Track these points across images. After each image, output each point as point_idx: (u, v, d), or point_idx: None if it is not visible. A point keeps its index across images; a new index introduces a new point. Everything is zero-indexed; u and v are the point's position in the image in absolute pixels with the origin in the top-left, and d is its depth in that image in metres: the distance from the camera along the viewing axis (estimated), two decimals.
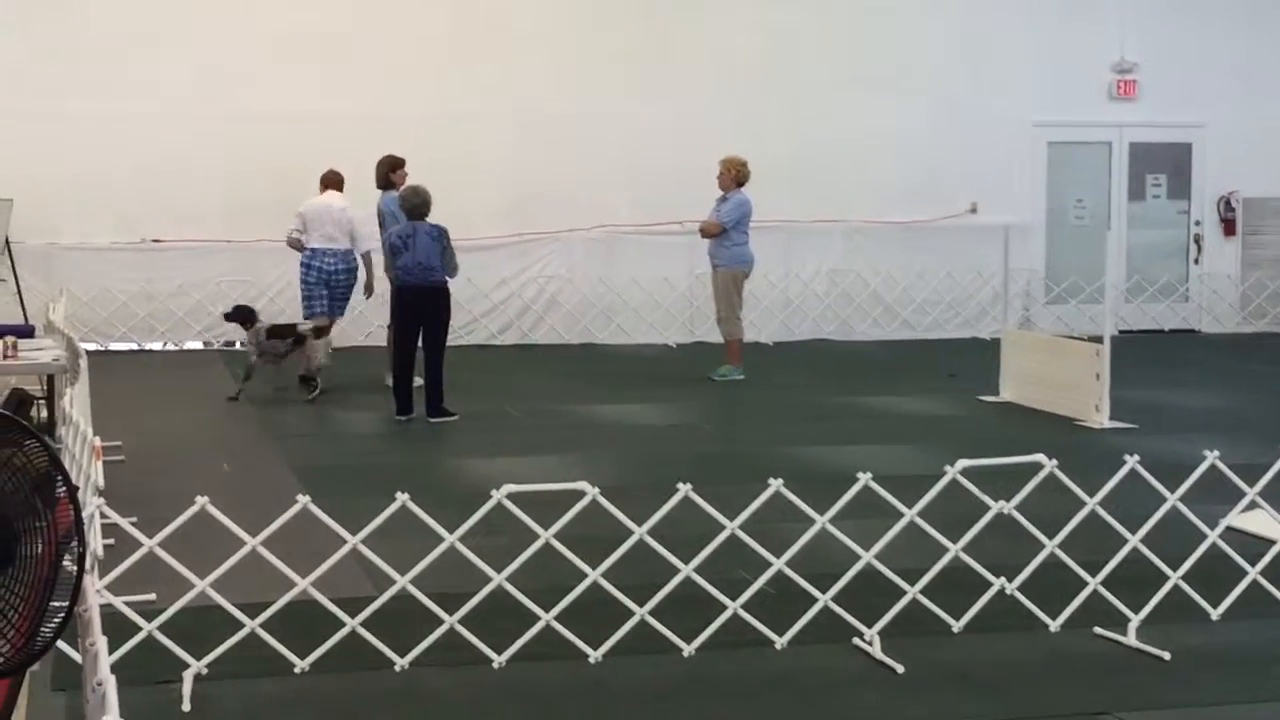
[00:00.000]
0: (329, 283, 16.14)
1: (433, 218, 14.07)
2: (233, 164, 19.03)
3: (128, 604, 6.65)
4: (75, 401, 8.93)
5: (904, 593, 7.33)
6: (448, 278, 14.01)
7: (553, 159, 19.89)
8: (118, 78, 18.83)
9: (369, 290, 16.46)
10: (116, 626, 6.31)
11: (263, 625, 6.69)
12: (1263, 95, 22.28)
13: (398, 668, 6.81)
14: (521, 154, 19.84)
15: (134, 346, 19.03)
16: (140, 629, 6.58)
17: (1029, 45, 21.55)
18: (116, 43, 18.89)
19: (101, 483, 9.72)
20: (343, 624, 6.77)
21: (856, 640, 7.25)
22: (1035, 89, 21.59)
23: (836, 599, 7.26)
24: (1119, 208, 22.36)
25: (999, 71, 21.44)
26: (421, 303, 13.95)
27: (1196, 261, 22.66)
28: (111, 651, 5.56)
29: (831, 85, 20.86)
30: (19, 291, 17.60)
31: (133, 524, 6.84)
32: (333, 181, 16.43)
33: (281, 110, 19.04)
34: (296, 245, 16.37)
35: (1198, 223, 22.68)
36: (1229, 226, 22.70)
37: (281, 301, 19.26)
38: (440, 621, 6.86)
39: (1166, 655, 7.14)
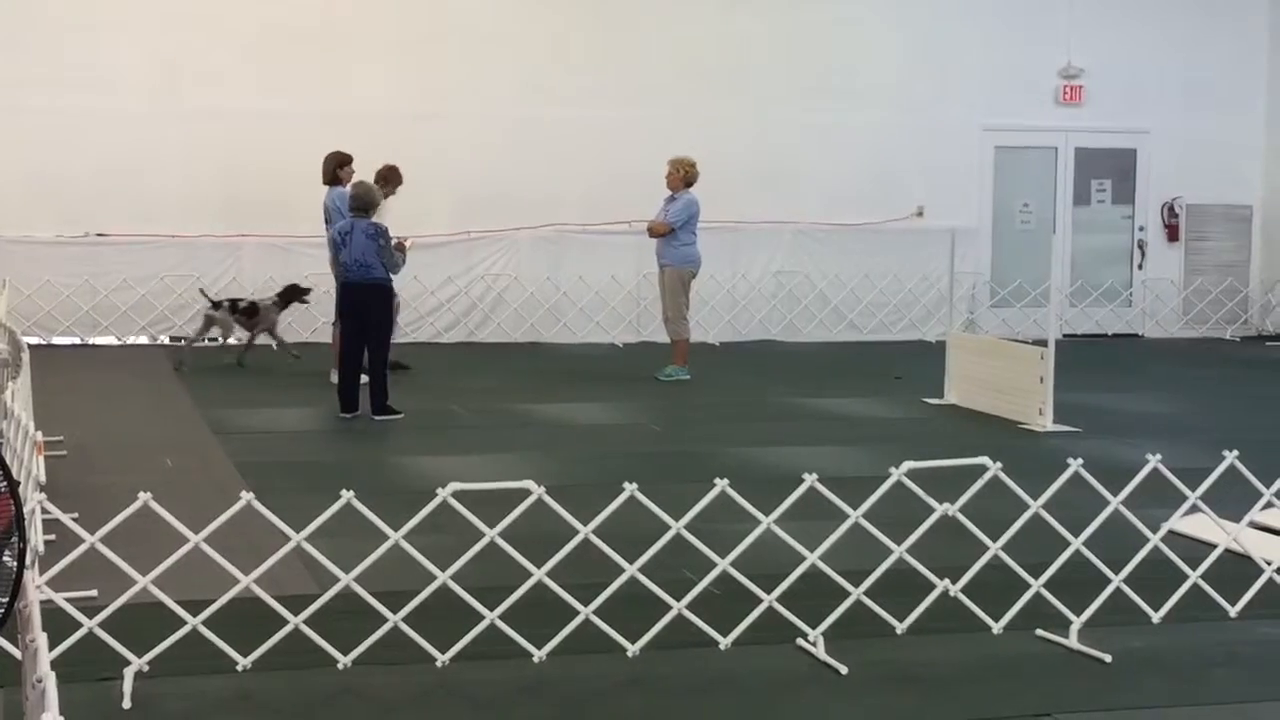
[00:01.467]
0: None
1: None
2: (180, 159, 18.97)
3: (68, 600, 6.59)
4: (17, 396, 8.85)
5: (848, 594, 7.34)
6: (390, 275, 13.96)
7: (501, 158, 19.87)
8: (66, 71, 18.71)
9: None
10: (57, 623, 6.26)
11: (205, 622, 6.64)
12: (1207, 102, 22.46)
13: (340, 666, 6.78)
14: (470, 153, 19.81)
15: (77, 341, 18.89)
16: (81, 625, 6.52)
17: (977, 50, 21.66)
18: (66, 35, 18.78)
19: (43, 478, 9.66)
20: (285, 622, 6.74)
21: (800, 641, 7.26)
22: (983, 94, 21.71)
23: (781, 600, 7.26)
24: (1064, 212, 22.50)
25: (947, 76, 21.54)
26: (361, 300, 13.91)
27: (1140, 267, 22.82)
28: (52, 648, 5.52)
29: (781, 89, 20.92)
30: None
31: (74, 520, 6.78)
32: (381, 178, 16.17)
33: (232, 107, 18.99)
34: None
35: (1141, 228, 22.84)
36: (1172, 232, 22.88)
37: (227, 296, 19.16)
38: (384, 620, 6.83)
39: (1108, 658, 7.18)
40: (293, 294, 17.48)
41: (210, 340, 18.33)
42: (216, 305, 17.27)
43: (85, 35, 18.83)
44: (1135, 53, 22.22)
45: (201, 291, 17.75)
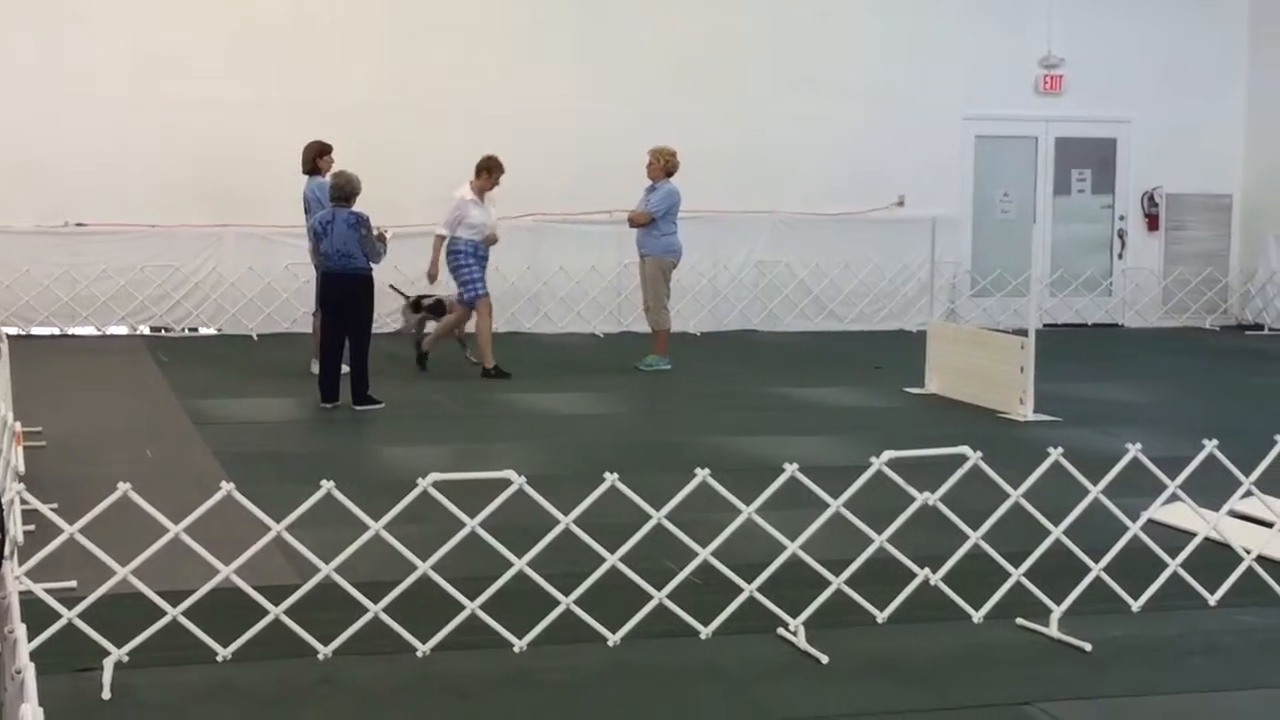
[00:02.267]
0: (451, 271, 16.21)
1: (361, 204, 13.98)
2: (160, 149, 18.90)
3: (48, 591, 6.57)
4: None
5: (829, 583, 7.35)
6: (371, 265, 13.94)
7: (481, 148, 19.76)
8: (45, 61, 18.64)
9: (432, 276, 16.41)
10: (36, 613, 6.24)
11: (185, 613, 6.63)
12: (1187, 92, 22.50)
13: (321, 656, 6.77)
14: (449, 143, 19.71)
15: (56, 331, 18.83)
16: (60, 616, 6.51)
17: (957, 40, 21.66)
18: (46, 25, 18.70)
19: (22, 468, 9.63)
20: (265, 612, 6.73)
21: (781, 630, 7.26)
22: (963, 84, 21.72)
23: (762, 589, 7.27)
24: (1044, 202, 22.53)
25: (928, 66, 21.54)
26: (343, 290, 13.89)
27: (1120, 256, 22.86)
28: (31, 639, 5.50)
29: (762, 79, 20.92)
30: None
31: (53, 510, 6.77)
32: (476, 169, 16.33)
33: (212, 97, 18.93)
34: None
35: (1122, 218, 22.88)
36: (1152, 222, 22.92)
37: (207, 286, 19.16)
38: (364, 610, 6.82)
39: (1088, 646, 7.20)
40: None
41: (188, 330, 18.33)
42: (409, 299, 16.85)
43: (65, 26, 18.76)
44: (1115, 42, 22.24)
45: (393, 288, 17.31)
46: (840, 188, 21.10)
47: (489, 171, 16.18)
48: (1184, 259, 22.97)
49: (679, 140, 17.24)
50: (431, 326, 16.66)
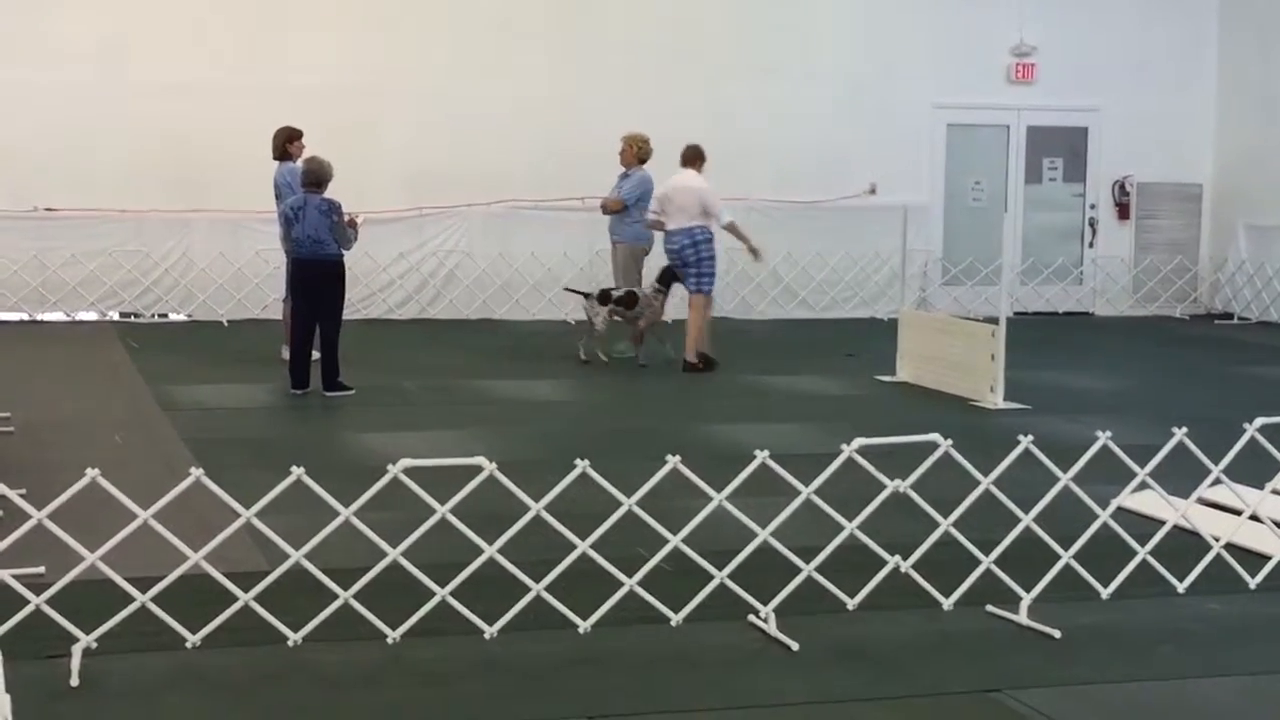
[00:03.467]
0: (684, 261, 16.09)
1: (332, 190, 13.94)
2: (130, 134, 18.80)
3: (16, 577, 6.55)
4: None
5: (799, 570, 7.36)
6: (342, 251, 13.89)
7: (453, 134, 19.80)
8: (9, 44, 18.53)
9: (755, 253, 16.62)
10: (4, 600, 6.23)
11: (153, 599, 6.62)
12: (1158, 80, 22.55)
13: (290, 643, 6.75)
14: (421, 129, 19.73)
15: (25, 317, 18.74)
16: (28, 602, 6.48)
17: (929, 28, 21.68)
18: (12, 8, 18.59)
19: None
20: (235, 599, 6.71)
21: (752, 617, 7.27)
22: (935, 71, 21.74)
23: (733, 576, 7.28)
24: (1016, 190, 22.57)
25: (899, 53, 21.56)
26: (314, 276, 13.85)
27: (1091, 245, 22.92)
28: None
29: (733, 65, 20.90)
30: None
31: (21, 496, 6.74)
32: (692, 159, 16.34)
33: (180, 81, 18.83)
34: (656, 226, 16.44)
35: (1093, 206, 22.94)
36: (1123, 210, 22.98)
37: (176, 273, 19.09)
38: (334, 597, 6.81)
39: (1057, 634, 7.22)
40: (672, 276, 16.21)
41: (158, 316, 18.24)
42: (590, 296, 16.20)
43: (29, 7, 18.65)
44: (1086, 31, 22.28)
45: (569, 289, 17.22)
46: (811, 175, 21.10)
47: (699, 158, 16.30)
48: (1154, 248, 23.03)
49: (650, 126, 17.21)
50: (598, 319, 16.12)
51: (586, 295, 16.30)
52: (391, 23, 19.79)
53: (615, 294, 16.14)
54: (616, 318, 16.21)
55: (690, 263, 16.07)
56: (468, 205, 20.00)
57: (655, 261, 17.36)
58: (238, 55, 19.20)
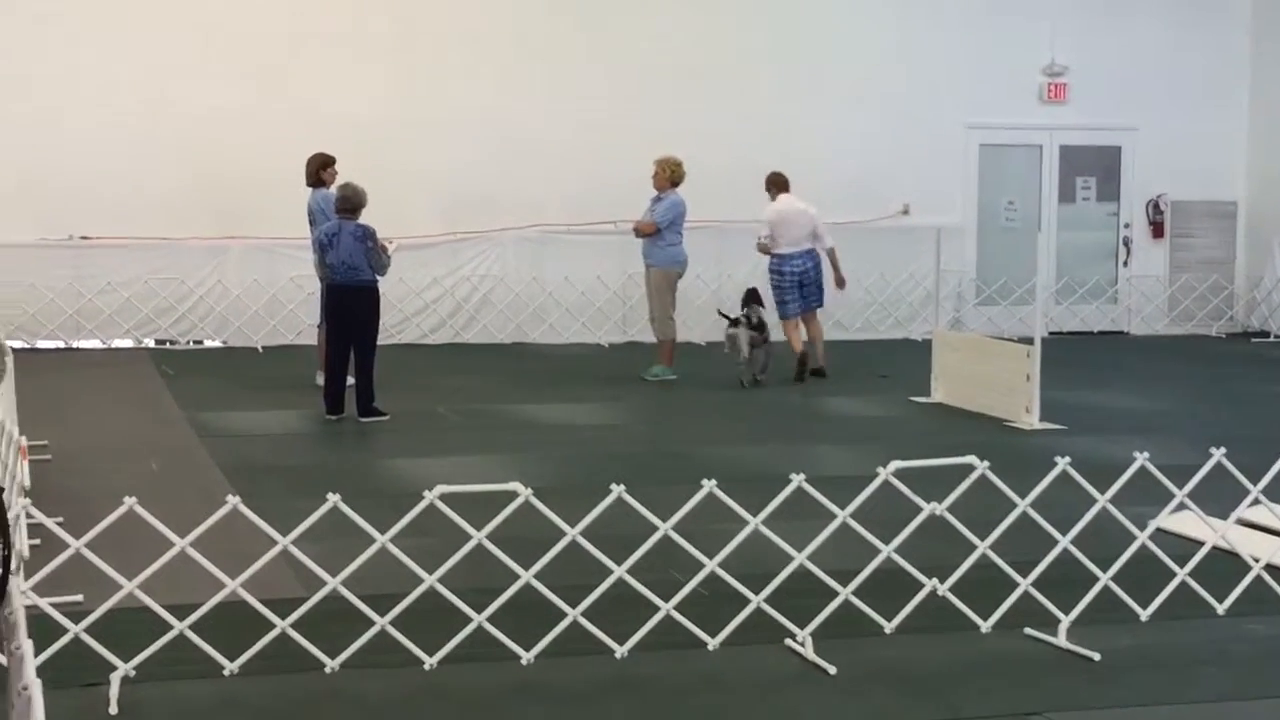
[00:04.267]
0: (801, 283, 17.09)
1: (366, 216, 13.99)
2: (165, 161, 18.89)
3: (54, 605, 6.57)
4: (1, 400, 8.82)
5: (836, 594, 7.34)
6: (377, 276, 13.93)
7: (486, 160, 19.83)
8: (46, 73, 18.63)
9: (841, 283, 17.69)
10: (42, 628, 6.24)
11: (191, 627, 6.63)
12: (1191, 99, 22.48)
13: (328, 670, 6.76)
14: (454, 155, 19.77)
15: (61, 345, 18.82)
16: (67, 631, 6.50)
17: (961, 48, 21.65)
18: (45, 37, 18.70)
19: (28, 482, 9.63)
20: (272, 626, 6.72)
21: (789, 641, 7.25)
22: (967, 92, 21.71)
23: (769, 600, 7.26)
24: (1049, 210, 22.51)
25: (932, 74, 21.53)
26: (348, 302, 13.88)
27: (1125, 264, 22.84)
28: (37, 654, 5.50)
29: (766, 87, 20.92)
30: None
31: (59, 524, 6.76)
32: (784, 185, 17.30)
33: (214, 108, 18.93)
34: (765, 250, 17.20)
35: (1127, 225, 22.86)
36: (1158, 229, 22.90)
37: (212, 299, 19.16)
38: (371, 623, 6.82)
39: (1096, 656, 7.18)
40: (754, 298, 16.84)
41: (193, 343, 18.32)
42: (735, 322, 16.45)
43: (67, 37, 18.76)
44: (1119, 50, 22.22)
45: (720, 313, 17.22)
46: (845, 197, 21.03)
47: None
48: (1189, 266, 22.94)
49: (683, 150, 17.23)
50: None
51: (735, 321, 16.52)
52: (425, 50, 19.84)
53: (754, 319, 16.54)
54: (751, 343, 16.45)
55: (811, 281, 17.12)
56: (501, 230, 20.04)
57: (685, 284, 17.39)
58: (272, 82, 19.26)
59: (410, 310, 19.63)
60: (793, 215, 17.12)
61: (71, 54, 18.76)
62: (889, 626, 7.39)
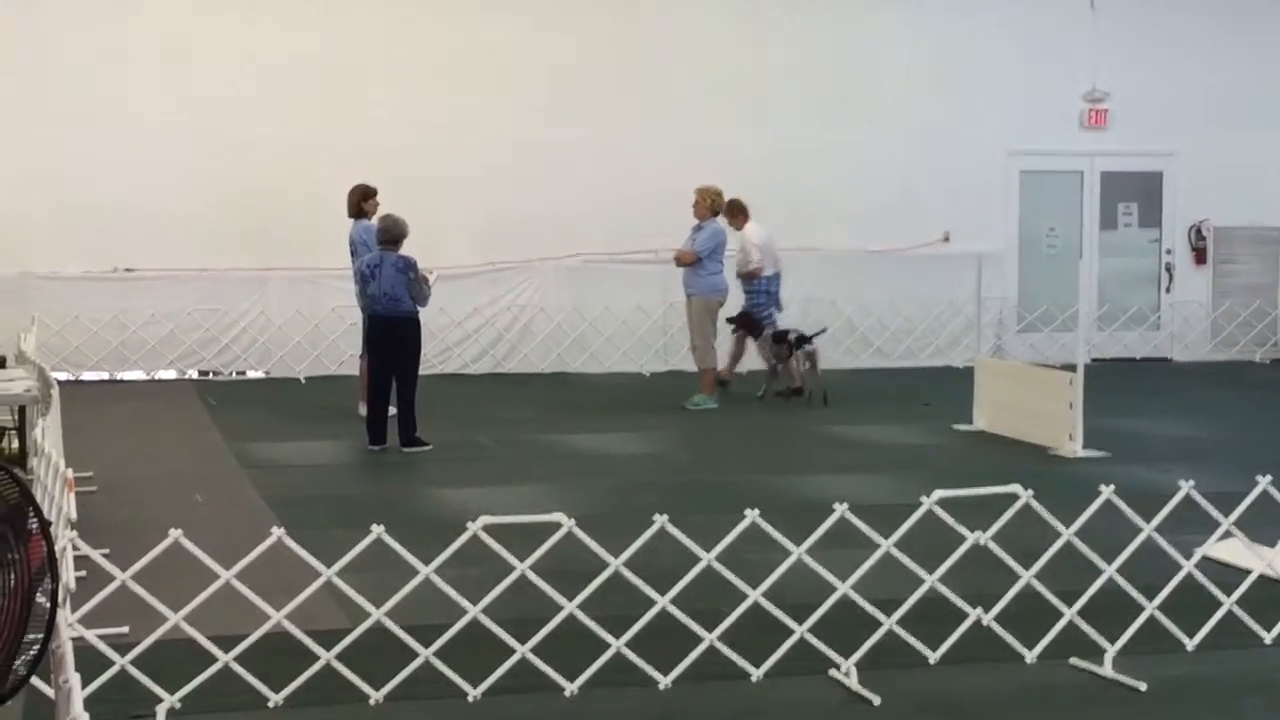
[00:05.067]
0: (778, 302, 18.05)
1: (407, 247, 14.05)
2: (207, 192, 19.00)
3: (100, 637, 6.60)
4: (47, 432, 8.88)
5: (880, 624, 7.31)
6: (418, 307, 13.98)
7: (526, 188, 19.88)
8: (89, 105, 18.77)
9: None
10: (89, 660, 6.26)
11: (236, 659, 6.65)
12: (1232, 124, 22.39)
13: (372, 701, 6.77)
14: (495, 183, 19.83)
15: (106, 376, 18.93)
16: (113, 663, 6.53)
17: (1002, 74, 21.62)
18: (89, 69, 18.84)
19: (74, 515, 9.65)
20: (317, 657, 6.73)
21: (833, 672, 7.23)
22: (1008, 118, 21.67)
23: (813, 630, 7.24)
24: (1091, 236, 22.43)
25: (972, 100, 21.51)
26: (390, 332, 13.93)
27: (1168, 290, 22.74)
28: (84, 686, 5.51)
29: (807, 114, 20.92)
30: None
31: (105, 556, 6.80)
32: (748, 211, 17.91)
33: (256, 138, 19.03)
34: (754, 274, 17.84)
35: (1169, 251, 22.77)
36: (1200, 255, 22.79)
37: (254, 330, 19.24)
38: (415, 654, 6.83)
39: (1143, 686, 7.14)
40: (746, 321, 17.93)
41: (236, 374, 18.42)
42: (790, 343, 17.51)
43: (111, 69, 18.88)
44: (1160, 75, 22.15)
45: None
46: (885, 223, 21.06)
47: (735, 213, 17.70)
48: (1233, 292, 22.82)
49: (722, 178, 17.28)
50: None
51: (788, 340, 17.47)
52: (464, 81, 19.91)
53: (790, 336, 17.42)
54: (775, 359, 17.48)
55: (780, 304, 17.86)
56: (541, 260, 20.08)
57: (725, 314, 17.41)
58: (313, 114, 19.36)
59: (452, 340, 19.66)
60: (770, 238, 17.81)
61: (116, 88, 18.88)
62: (933, 657, 7.36)
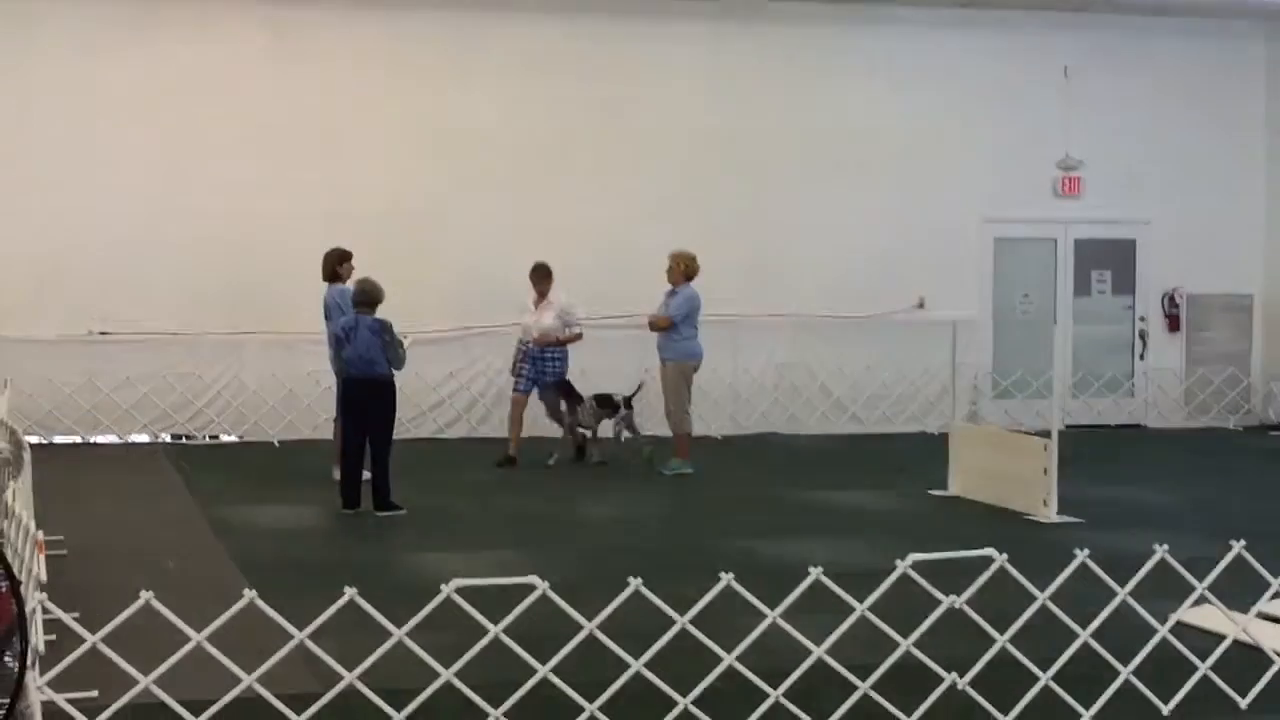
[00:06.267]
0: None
1: (382, 310, 14.05)
2: (181, 256, 18.98)
3: (69, 701, 6.54)
4: (18, 495, 8.83)
5: (855, 688, 7.29)
6: (393, 370, 13.97)
7: (499, 254, 19.86)
8: (65, 170, 18.77)
9: None
10: None
11: None
12: (1205, 192, 22.52)
13: None
14: (468, 249, 19.84)
15: (78, 439, 18.84)
16: None
17: (975, 142, 21.73)
18: (61, 133, 18.85)
19: (44, 577, 9.59)
20: None
21: None
22: (982, 185, 21.77)
23: (788, 694, 7.21)
24: (1065, 303, 22.50)
25: (947, 168, 21.60)
26: (365, 395, 13.92)
27: (1142, 357, 22.80)
28: None
29: (781, 180, 21.00)
30: None
31: (75, 619, 6.74)
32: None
33: (232, 205, 19.03)
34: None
35: (1142, 318, 22.84)
36: (1173, 322, 22.87)
37: (228, 395, 19.18)
38: (388, 719, 6.77)
39: None
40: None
41: (210, 438, 18.33)
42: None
43: (83, 134, 18.89)
44: (1133, 144, 22.28)
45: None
46: (860, 290, 21.12)
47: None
48: (1206, 359, 22.89)
49: (698, 243, 17.33)
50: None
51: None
52: (440, 148, 19.94)
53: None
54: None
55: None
56: (515, 324, 20.05)
57: (701, 377, 17.41)
58: (289, 180, 19.37)
59: (426, 404, 19.63)
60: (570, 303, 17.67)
61: (89, 153, 18.89)
62: None
